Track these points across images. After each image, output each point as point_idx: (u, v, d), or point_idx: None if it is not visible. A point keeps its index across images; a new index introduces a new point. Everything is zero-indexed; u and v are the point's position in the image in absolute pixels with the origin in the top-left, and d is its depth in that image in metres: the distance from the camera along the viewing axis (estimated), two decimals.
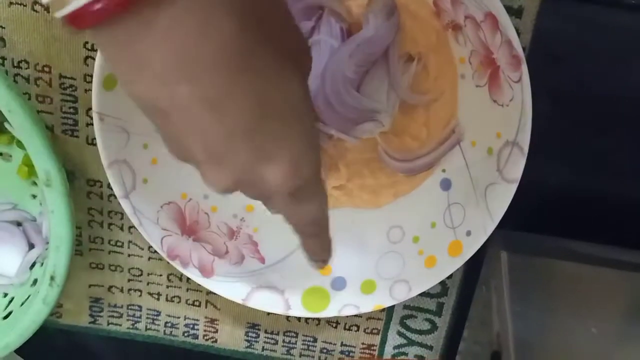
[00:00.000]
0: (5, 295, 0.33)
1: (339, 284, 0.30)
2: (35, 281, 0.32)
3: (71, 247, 0.28)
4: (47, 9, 0.29)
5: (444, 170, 0.29)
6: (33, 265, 0.33)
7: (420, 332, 0.36)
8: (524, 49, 0.27)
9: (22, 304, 0.32)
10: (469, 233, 0.28)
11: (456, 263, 0.28)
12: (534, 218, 0.29)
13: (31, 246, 0.33)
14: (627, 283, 0.26)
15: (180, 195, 0.30)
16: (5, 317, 0.32)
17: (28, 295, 0.32)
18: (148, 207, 0.29)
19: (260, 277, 0.30)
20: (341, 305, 0.30)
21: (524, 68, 0.24)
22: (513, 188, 0.26)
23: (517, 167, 0.26)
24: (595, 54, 0.28)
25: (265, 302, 0.30)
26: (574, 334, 0.24)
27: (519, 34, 0.27)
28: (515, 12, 0.27)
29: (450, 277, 0.33)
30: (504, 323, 0.24)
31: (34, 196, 0.33)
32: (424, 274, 0.29)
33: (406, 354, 0.36)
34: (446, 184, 0.29)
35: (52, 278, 0.29)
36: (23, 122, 0.26)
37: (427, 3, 0.26)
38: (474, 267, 0.32)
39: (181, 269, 0.30)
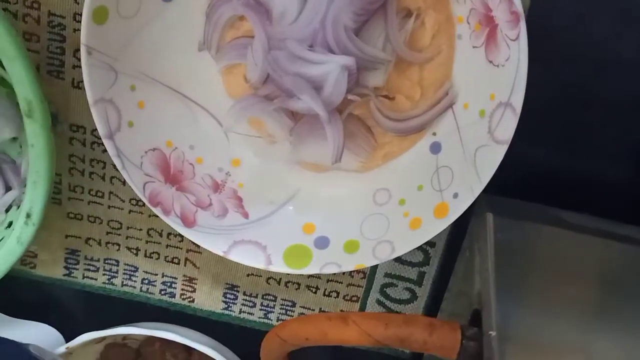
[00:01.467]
0: None
1: (322, 242, 0.30)
2: (10, 224, 0.31)
3: (50, 184, 0.27)
4: None
5: (434, 134, 0.29)
6: (9, 209, 0.32)
7: (399, 301, 0.36)
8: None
9: None
10: (455, 195, 0.28)
11: (442, 224, 0.28)
12: (517, 185, 0.29)
13: (8, 189, 0.32)
14: (604, 250, 0.26)
15: (165, 142, 0.30)
16: None
17: (2, 237, 0.31)
18: (132, 151, 0.28)
19: (242, 232, 0.30)
20: (323, 263, 0.29)
21: (522, 25, 0.24)
22: (503, 149, 0.26)
23: (509, 128, 0.25)
24: (591, 26, 0.28)
25: (247, 256, 0.30)
26: (553, 295, 0.24)
27: None
28: None
29: (433, 246, 0.34)
30: (485, 282, 0.24)
31: (15, 139, 0.33)
32: (408, 235, 0.29)
33: None
34: (436, 147, 0.29)
35: (27, 216, 0.28)
36: (6, 47, 0.25)
37: None
38: (457, 237, 0.32)
39: (163, 216, 0.29)
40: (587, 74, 0.29)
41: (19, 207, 0.32)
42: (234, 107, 0.29)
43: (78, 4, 0.29)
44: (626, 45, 0.28)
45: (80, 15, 0.29)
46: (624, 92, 0.29)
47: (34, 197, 0.27)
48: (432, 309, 0.35)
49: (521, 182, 0.30)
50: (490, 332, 0.22)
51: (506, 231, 0.26)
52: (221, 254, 0.30)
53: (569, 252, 0.26)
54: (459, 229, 0.31)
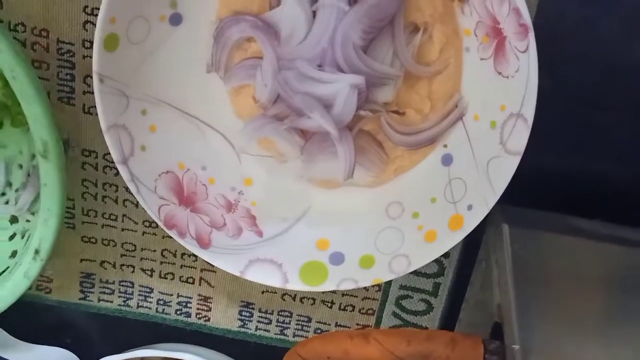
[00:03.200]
0: None
1: (337, 258, 0.30)
2: (14, 253, 0.31)
3: (60, 222, 0.28)
4: None
5: (445, 146, 0.29)
6: (13, 237, 0.32)
7: (415, 313, 0.35)
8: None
9: (0, 274, 0.31)
10: (470, 207, 0.28)
11: (457, 237, 0.28)
12: (532, 195, 0.29)
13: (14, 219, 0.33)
14: (625, 258, 0.26)
15: (178, 165, 0.30)
16: None
17: (7, 267, 0.31)
18: (146, 175, 0.28)
19: (257, 251, 0.30)
20: (339, 279, 0.29)
21: (531, 36, 0.24)
22: (516, 160, 0.26)
23: (521, 139, 0.25)
24: (598, 31, 0.28)
25: (263, 275, 0.30)
26: (574, 306, 0.24)
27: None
28: None
29: (447, 256, 0.33)
30: (505, 295, 0.24)
31: (20, 166, 0.33)
32: (423, 248, 0.29)
33: None
34: (447, 159, 0.29)
35: (36, 252, 0.28)
36: (26, 90, 0.26)
37: None
38: (472, 247, 0.32)
39: (178, 238, 0.29)
40: (597, 79, 0.29)
41: (23, 236, 0.32)
42: (245, 128, 0.29)
43: (87, 30, 0.30)
44: (636, 47, 0.28)
45: (89, 42, 0.30)
46: (636, 95, 0.29)
47: (44, 234, 0.28)
48: (448, 319, 0.35)
49: (536, 191, 0.29)
50: (514, 346, 0.22)
51: (523, 242, 0.26)
52: (238, 274, 0.30)
53: (588, 261, 0.26)
54: (473, 239, 0.31)
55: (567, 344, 0.23)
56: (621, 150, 0.30)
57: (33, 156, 0.31)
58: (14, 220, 0.33)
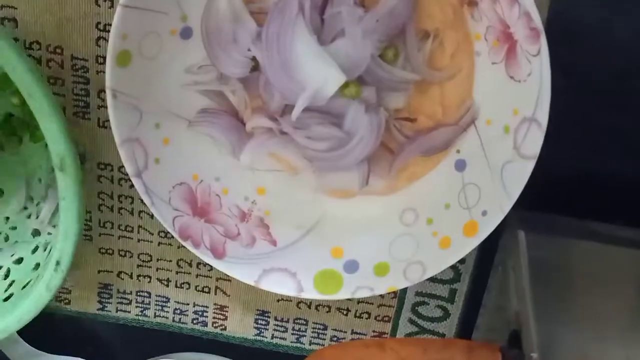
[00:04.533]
0: (6, 277, 0.33)
1: (351, 267, 0.30)
2: (37, 265, 0.32)
3: (79, 234, 0.28)
4: None
5: (458, 151, 0.29)
6: (36, 250, 0.33)
7: (432, 319, 0.35)
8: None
9: (24, 287, 0.31)
10: (484, 213, 0.27)
11: (472, 243, 0.27)
12: (549, 199, 0.29)
13: (36, 232, 0.33)
14: None
15: (191, 176, 0.30)
16: (6, 300, 0.31)
17: (29, 279, 0.31)
18: (160, 187, 0.29)
19: (272, 260, 0.30)
20: (354, 287, 0.29)
21: (543, 40, 0.24)
22: (531, 165, 0.25)
23: (535, 144, 0.25)
24: (612, 30, 0.28)
25: (278, 284, 0.30)
26: (594, 312, 0.24)
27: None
28: None
29: (463, 262, 0.33)
30: (523, 302, 0.24)
31: (40, 180, 0.33)
32: (438, 255, 0.28)
33: None
34: (461, 165, 0.29)
35: (57, 263, 0.28)
36: (42, 107, 0.26)
37: None
38: (487, 252, 0.32)
39: (193, 249, 0.29)
40: (613, 80, 0.29)
41: (45, 248, 0.32)
42: (250, 144, 0.29)
43: (100, 46, 0.30)
44: None
45: (103, 57, 0.30)
46: None
47: (65, 246, 0.28)
48: (465, 325, 0.35)
49: (552, 195, 0.29)
50: (532, 354, 0.22)
51: (539, 248, 0.25)
52: (252, 283, 0.30)
53: (606, 266, 0.25)
54: (489, 244, 0.31)
55: (587, 351, 0.22)
56: (637, 151, 0.30)
57: (52, 170, 0.31)
58: (36, 233, 0.33)
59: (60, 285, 0.29)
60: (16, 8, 0.29)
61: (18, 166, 0.33)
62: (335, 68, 0.25)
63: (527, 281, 0.24)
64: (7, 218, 0.34)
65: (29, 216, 0.34)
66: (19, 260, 0.33)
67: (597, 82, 0.29)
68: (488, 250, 0.31)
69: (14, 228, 0.34)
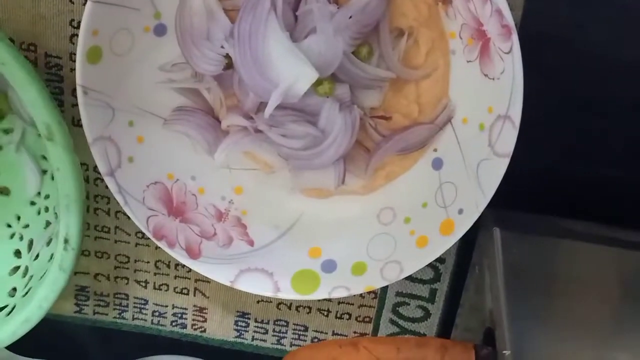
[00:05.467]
0: (25, 274, 0.32)
1: (329, 266, 0.30)
2: (52, 256, 0.31)
3: (82, 204, 0.27)
4: None
5: (435, 150, 0.29)
6: (50, 242, 0.31)
7: (412, 319, 0.35)
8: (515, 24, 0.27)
9: (41, 277, 0.30)
10: (460, 211, 0.27)
11: (448, 242, 0.27)
12: (525, 198, 0.29)
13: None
14: (619, 260, 0.26)
15: (166, 175, 0.30)
16: (25, 295, 0.30)
17: (45, 269, 0.30)
18: (134, 186, 0.28)
19: (248, 260, 0.30)
20: (331, 287, 0.29)
21: (515, 38, 0.24)
22: (505, 162, 0.25)
23: (509, 141, 0.25)
24: (586, 31, 0.28)
25: (254, 284, 0.29)
26: (568, 310, 0.24)
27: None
28: None
29: (443, 262, 0.33)
30: (497, 300, 0.24)
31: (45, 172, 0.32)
32: (415, 254, 0.28)
33: None
34: (438, 163, 0.29)
35: (65, 241, 0.27)
36: (18, 74, 0.25)
37: None
38: (467, 252, 0.32)
39: (168, 249, 0.29)
40: (588, 80, 0.29)
41: (57, 236, 0.31)
42: (225, 142, 0.29)
43: (74, 44, 0.30)
44: (626, 48, 0.28)
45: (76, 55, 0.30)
46: (626, 95, 0.29)
47: (69, 221, 0.27)
48: (446, 325, 0.35)
49: (528, 194, 0.29)
50: (505, 352, 0.21)
51: (515, 246, 0.25)
52: (228, 284, 0.29)
53: (582, 264, 0.25)
54: (468, 243, 0.31)
55: (560, 349, 0.22)
56: (614, 150, 0.30)
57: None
58: (47, 224, 0.32)
59: (74, 263, 0.28)
60: None
61: (19, 160, 0.31)
62: (307, 65, 0.25)
63: (501, 279, 0.24)
64: (19, 217, 0.32)
65: (38, 212, 0.32)
66: (36, 257, 0.32)
67: (572, 82, 0.29)
68: (467, 249, 0.31)
69: (27, 226, 0.32)
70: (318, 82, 0.26)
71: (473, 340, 0.26)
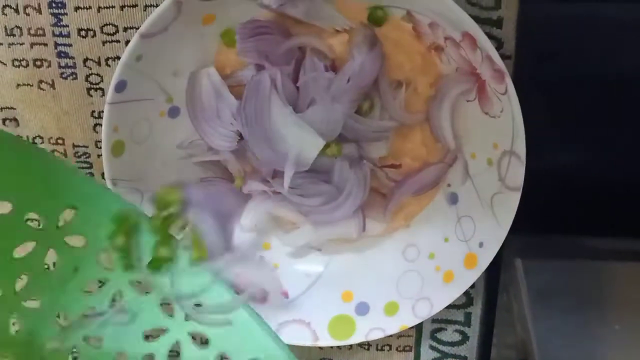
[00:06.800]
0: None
1: (362, 309, 0.31)
2: None
3: None
4: (52, 85, 0.31)
5: (449, 185, 0.30)
6: None
7: (452, 344, 0.36)
8: (509, 56, 0.28)
9: None
10: (481, 244, 0.28)
11: (473, 275, 0.28)
12: (545, 220, 0.29)
13: None
14: None
15: None
16: None
17: None
18: None
19: (285, 312, 0.31)
20: (367, 329, 0.30)
21: (508, 80, 0.24)
22: (517, 196, 0.26)
23: (517, 176, 0.26)
24: (580, 46, 0.28)
25: (294, 335, 0.31)
26: (597, 332, 0.24)
27: (502, 43, 0.28)
28: (495, 23, 0.28)
29: (473, 286, 0.34)
30: (525, 330, 0.24)
31: None
32: (443, 289, 0.29)
33: None
34: (453, 198, 0.30)
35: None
36: None
37: (406, 28, 0.27)
38: (494, 274, 0.32)
39: None
40: (594, 94, 0.29)
41: None
42: (248, 207, 0.30)
43: (97, 132, 0.32)
44: (627, 58, 0.28)
45: (101, 142, 0.32)
46: (634, 105, 0.29)
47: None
48: (485, 345, 0.35)
49: (547, 217, 0.30)
50: None
51: (538, 273, 0.26)
52: None
53: (609, 284, 0.26)
54: (494, 266, 0.31)
55: None
56: (622, 160, 0.30)
57: None
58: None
59: None
60: (15, 108, 0.31)
61: None
62: (312, 134, 0.27)
63: (527, 310, 0.24)
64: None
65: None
66: None
67: (574, 98, 0.29)
68: (495, 272, 0.32)
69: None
70: (326, 146, 0.28)
71: (514, 357, 0.27)
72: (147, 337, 0.26)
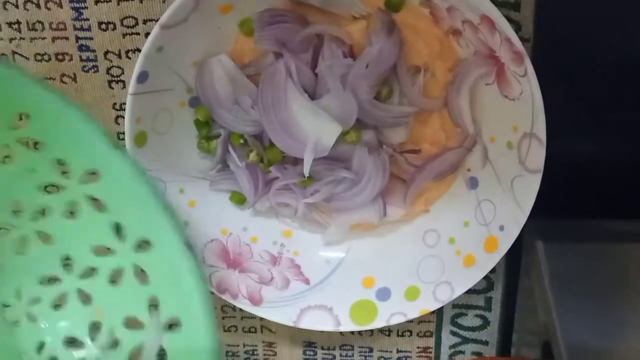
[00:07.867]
0: None
1: (383, 294, 0.31)
2: None
3: None
4: (74, 79, 0.31)
5: (469, 170, 0.30)
6: None
7: (473, 328, 0.36)
8: (528, 39, 0.28)
9: None
10: (502, 228, 0.28)
11: (494, 259, 0.28)
12: (565, 203, 0.29)
13: None
14: None
15: (220, 231, 0.32)
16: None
17: None
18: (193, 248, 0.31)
19: (307, 298, 0.31)
20: (389, 314, 0.31)
21: (527, 62, 0.24)
22: (538, 178, 0.26)
23: (538, 158, 0.26)
24: (599, 28, 0.28)
25: (316, 321, 0.31)
26: (620, 315, 0.24)
27: (520, 26, 0.28)
28: (513, 6, 0.28)
29: (493, 270, 0.34)
30: (549, 312, 0.24)
31: None
32: (464, 273, 0.29)
33: (463, 352, 0.36)
34: (473, 182, 0.30)
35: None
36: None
37: (424, 14, 0.27)
38: (515, 259, 0.32)
39: (231, 300, 0.31)
40: (613, 77, 0.29)
41: None
42: (266, 191, 0.30)
43: (119, 124, 0.32)
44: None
45: (123, 133, 0.32)
46: None
47: None
48: (506, 330, 0.35)
49: (569, 200, 0.29)
50: None
51: (559, 256, 0.26)
52: (291, 324, 0.31)
53: (631, 266, 0.26)
54: (515, 250, 0.31)
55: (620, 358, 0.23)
56: None
57: None
58: None
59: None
60: None
61: None
62: (329, 121, 0.27)
63: (550, 292, 0.24)
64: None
65: None
66: None
67: (594, 81, 0.29)
68: (515, 256, 0.32)
69: None
70: (345, 132, 0.28)
71: (534, 344, 0.27)
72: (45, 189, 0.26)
